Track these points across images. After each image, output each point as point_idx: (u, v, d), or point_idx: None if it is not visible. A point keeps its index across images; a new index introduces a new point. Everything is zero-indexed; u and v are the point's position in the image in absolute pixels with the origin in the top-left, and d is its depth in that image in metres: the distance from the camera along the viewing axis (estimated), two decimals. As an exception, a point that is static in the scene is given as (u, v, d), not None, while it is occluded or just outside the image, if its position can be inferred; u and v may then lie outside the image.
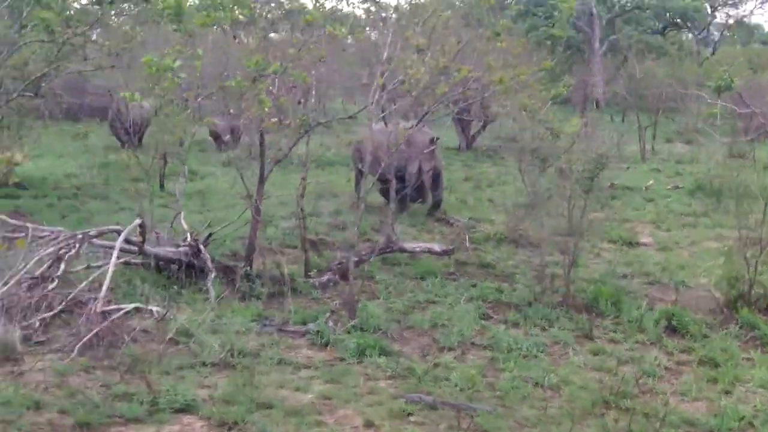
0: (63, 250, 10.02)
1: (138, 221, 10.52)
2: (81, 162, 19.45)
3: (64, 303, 9.52)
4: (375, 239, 13.80)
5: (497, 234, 14.20)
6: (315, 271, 11.54)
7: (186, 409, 7.49)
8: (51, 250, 9.90)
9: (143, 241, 10.64)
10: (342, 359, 8.77)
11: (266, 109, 9.48)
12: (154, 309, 9.38)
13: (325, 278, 11.35)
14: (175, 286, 10.71)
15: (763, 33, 49.94)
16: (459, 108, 15.59)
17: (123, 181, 16.99)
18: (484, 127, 25.41)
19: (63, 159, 20.62)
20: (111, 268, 9.76)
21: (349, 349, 8.88)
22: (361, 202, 11.44)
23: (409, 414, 7.50)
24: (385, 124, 14.28)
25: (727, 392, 8.10)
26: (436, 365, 8.60)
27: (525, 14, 36.43)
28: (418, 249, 12.19)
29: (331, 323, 9.55)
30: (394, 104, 13.72)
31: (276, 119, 9.99)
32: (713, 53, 40.31)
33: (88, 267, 10.40)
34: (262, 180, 11.37)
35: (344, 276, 11.55)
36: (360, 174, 15.30)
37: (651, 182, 19.82)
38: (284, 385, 8.08)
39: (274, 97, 9.79)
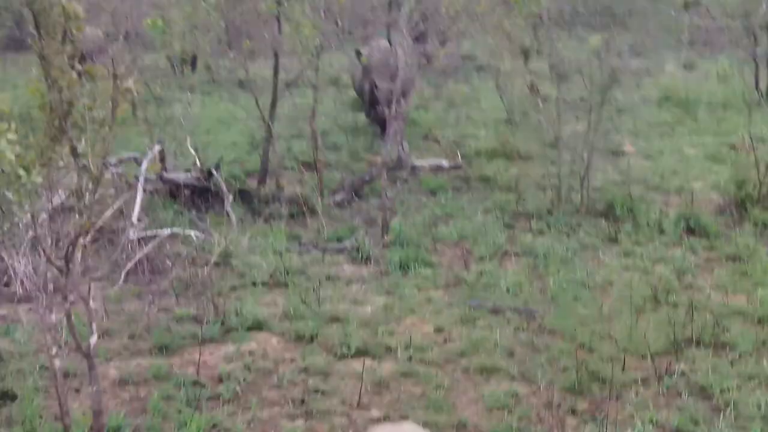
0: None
1: (158, 147, 10.52)
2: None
3: (92, 232, 9.52)
4: (369, 159, 13.97)
5: (488, 149, 14.41)
6: (327, 191, 11.66)
7: (257, 326, 7.67)
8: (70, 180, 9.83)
9: (164, 168, 10.66)
10: (387, 273, 8.99)
11: (307, 33, 9.49)
12: (193, 234, 9.46)
13: (339, 197, 11.49)
14: (194, 211, 10.77)
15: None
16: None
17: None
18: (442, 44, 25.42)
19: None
20: (139, 195, 9.76)
21: (393, 263, 9.09)
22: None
23: (475, 319, 7.78)
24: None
25: (758, 284, 8.51)
26: (481, 274, 8.85)
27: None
28: (427, 166, 12.38)
29: (366, 239, 9.73)
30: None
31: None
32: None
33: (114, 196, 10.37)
34: (274, 103, 11.42)
35: (358, 194, 11.75)
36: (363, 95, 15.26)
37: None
38: (341, 300, 8.29)
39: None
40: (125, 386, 6.65)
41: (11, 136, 4.75)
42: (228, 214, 10.60)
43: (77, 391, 6.60)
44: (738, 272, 8.83)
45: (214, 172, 11.23)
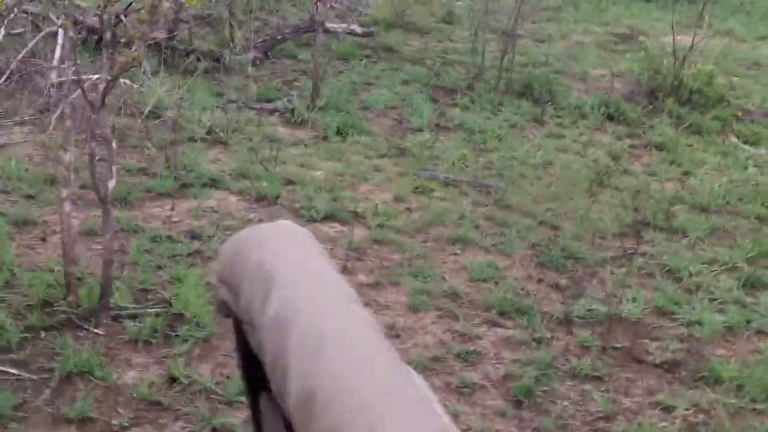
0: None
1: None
2: None
3: (7, 72, 8.88)
4: (263, 17, 13.54)
5: (384, 19, 14.21)
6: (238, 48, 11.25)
7: (213, 184, 7.39)
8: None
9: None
10: (325, 138, 8.82)
11: None
12: (122, 81, 8.91)
13: (251, 56, 11.09)
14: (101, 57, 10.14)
15: None
16: None
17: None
18: None
19: None
20: (61, 34, 9.10)
21: (331, 128, 8.92)
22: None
23: (431, 190, 7.77)
24: None
25: (687, 173, 8.88)
26: (422, 145, 8.81)
27: None
28: (339, 30, 12.07)
29: (296, 102, 9.48)
30: None
31: None
32: None
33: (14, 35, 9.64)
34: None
35: (268, 54, 11.40)
36: None
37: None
38: (288, 162, 8.08)
39: None
40: (93, 238, 6.28)
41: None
42: (139, 64, 10.07)
43: (43, 240, 6.21)
44: (666, 160, 9.15)
45: (123, 18, 10.58)
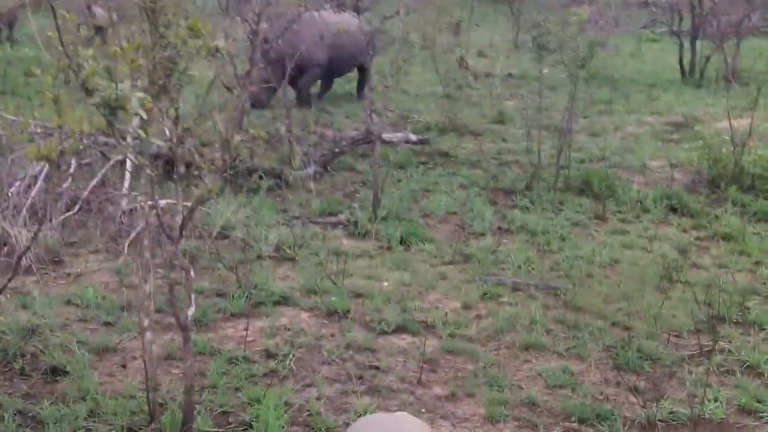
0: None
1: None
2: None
3: (80, 202, 9.16)
4: (319, 132, 13.82)
5: (437, 124, 14.42)
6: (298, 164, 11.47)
7: (284, 301, 7.48)
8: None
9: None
10: (389, 248, 8.90)
11: None
12: (189, 204, 9.12)
13: (311, 170, 11.31)
14: (169, 182, 10.42)
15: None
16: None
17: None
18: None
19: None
20: (129, 163, 9.39)
21: (394, 238, 9.01)
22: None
23: (498, 296, 7.78)
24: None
25: (757, 263, 8.79)
26: (488, 250, 8.84)
27: None
28: (395, 139, 12.30)
29: (358, 213, 9.61)
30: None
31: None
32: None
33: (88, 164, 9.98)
34: (249, 72, 11.12)
35: (327, 167, 11.61)
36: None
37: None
38: (355, 274, 8.16)
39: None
40: (172, 362, 6.38)
41: (140, 94, 4.48)
42: (206, 186, 10.29)
43: (124, 367, 6.32)
44: (734, 251, 9.08)
45: (188, 140, 10.86)
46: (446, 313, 7.30)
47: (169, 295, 5.25)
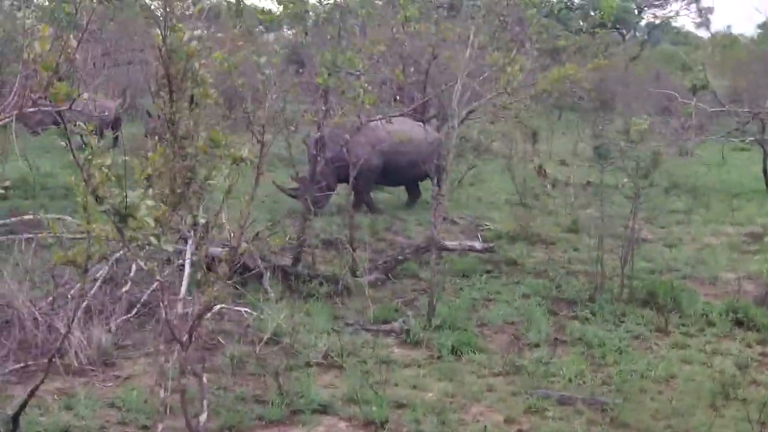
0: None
1: (203, 220, 10.33)
2: (55, 161, 18.76)
3: (138, 305, 9.33)
4: (389, 238, 13.91)
5: (508, 232, 14.37)
6: (360, 270, 11.52)
7: (323, 410, 7.44)
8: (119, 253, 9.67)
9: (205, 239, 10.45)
10: (440, 357, 8.82)
11: (367, 105, 9.47)
12: (242, 310, 9.26)
13: (373, 277, 11.34)
14: (232, 287, 10.58)
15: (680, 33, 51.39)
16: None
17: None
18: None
19: (34, 159, 19.81)
20: (187, 269, 9.57)
21: (446, 347, 8.92)
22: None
23: (544, 409, 7.61)
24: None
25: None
26: (539, 362, 8.69)
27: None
28: (459, 247, 12.28)
29: (411, 321, 9.57)
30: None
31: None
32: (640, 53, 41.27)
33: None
34: (313, 178, 11.32)
35: (389, 274, 11.62)
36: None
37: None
38: (401, 384, 8.09)
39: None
40: (200, 469, 6.37)
41: (150, 202, 4.59)
42: (267, 291, 10.44)
43: (153, 473, 6.33)
44: (799, 368, 8.75)
45: (251, 247, 11.05)
46: (486, 427, 7.15)
47: (181, 402, 5.27)
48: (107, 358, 8.42)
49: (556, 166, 20.97)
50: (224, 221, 11.42)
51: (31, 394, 6.22)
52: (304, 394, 7.59)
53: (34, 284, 8.87)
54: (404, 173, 15.92)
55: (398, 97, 11.18)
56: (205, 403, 5.36)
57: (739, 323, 9.95)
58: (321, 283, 10.72)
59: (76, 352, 8.05)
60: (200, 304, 5.23)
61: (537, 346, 9.22)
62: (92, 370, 8.08)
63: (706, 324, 9.94)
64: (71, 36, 4.71)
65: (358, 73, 9.80)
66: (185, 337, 5.22)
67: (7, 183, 6.14)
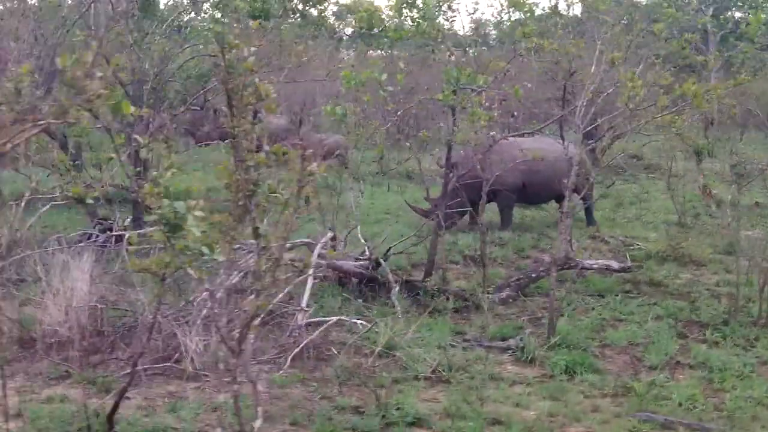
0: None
1: (330, 234, 10.65)
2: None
3: (261, 315, 9.64)
4: (534, 255, 13.80)
5: (658, 252, 13.98)
6: (493, 286, 11.52)
7: (417, 422, 7.51)
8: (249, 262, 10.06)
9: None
10: (552, 376, 8.72)
11: (482, 123, 9.55)
12: (359, 322, 9.46)
13: (504, 294, 11.32)
14: (360, 300, 10.82)
15: None
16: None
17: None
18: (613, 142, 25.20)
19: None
20: (310, 281, 9.88)
21: (558, 366, 8.82)
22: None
23: (654, 435, 7.41)
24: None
25: None
26: (652, 384, 8.47)
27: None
28: (596, 266, 12.08)
29: (525, 338, 9.51)
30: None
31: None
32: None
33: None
34: (444, 194, 11.43)
35: (523, 291, 11.56)
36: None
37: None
38: (504, 401, 8.06)
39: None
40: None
41: (198, 213, 4.82)
42: (394, 305, 10.60)
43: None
44: None
45: (382, 262, 11.27)
46: (575, 444, 7.05)
47: (234, 406, 5.47)
48: (226, 365, 8.75)
49: (726, 186, 20.19)
50: (359, 236, 11.81)
51: (121, 394, 6.58)
52: (401, 407, 7.67)
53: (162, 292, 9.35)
54: (542, 191, 15.76)
55: (515, 114, 11.11)
56: (259, 410, 5.53)
57: None
58: (448, 299, 10.79)
59: (192, 358, 8.43)
60: (251, 309, 5.34)
61: (655, 368, 8.96)
62: (206, 375, 8.44)
63: None
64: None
65: (480, 89, 9.84)
66: (235, 344, 5.35)
67: (96, 193, 6.56)
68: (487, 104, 10.07)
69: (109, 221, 13.20)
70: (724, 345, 9.64)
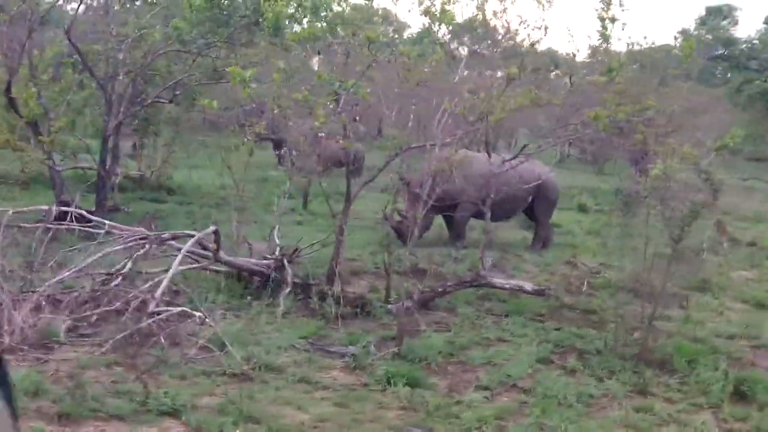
0: (134, 250, 10.25)
1: (212, 228, 10.61)
2: (239, 176, 19.78)
3: (120, 301, 9.63)
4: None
5: (619, 282, 13.31)
6: (395, 297, 11.22)
7: (173, 413, 7.35)
8: (119, 247, 10.14)
9: (218, 249, 10.68)
10: (366, 385, 8.44)
11: (319, 123, 9.42)
12: (197, 314, 9.37)
13: (404, 305, 10.99)
14: (250, 297, 10.73)
15: None
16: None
17: (273, 196, 17.19)
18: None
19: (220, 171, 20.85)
20: (172, 270, 9.84)
21: (376, 376, 8.53)
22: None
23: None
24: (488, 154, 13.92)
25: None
26: (458, 402, 8.09)
27: (737, 67, 34.23)
28: (507, 286, 11.61)
29: (373, 348, 9.24)
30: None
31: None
32: None
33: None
34: (348, 199, 11.24)
35: (426, 305, 11.23)
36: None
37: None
38: (288, 403, 7.83)
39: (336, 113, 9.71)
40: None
41: None
42: (279, 305, 10.49)
43: None
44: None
45: (285, 262, 11.16)
46: None
47: None
48: (51, 342, 8.83)
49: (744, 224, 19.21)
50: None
51: None
52: (167, 396, 7.53)
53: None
54: (500, 207, 15.26)
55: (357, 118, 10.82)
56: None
57: (742, 396, 8.64)
58: (339, 304, 10.57)
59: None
60: None
61: (486, 388, 8.56)
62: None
63: (699, 392, 8.74)
64: None
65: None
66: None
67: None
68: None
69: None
70: (580, 374, 9.11)
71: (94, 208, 14.25)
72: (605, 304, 12.19)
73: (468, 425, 7.56)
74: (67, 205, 13.14)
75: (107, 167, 15.07)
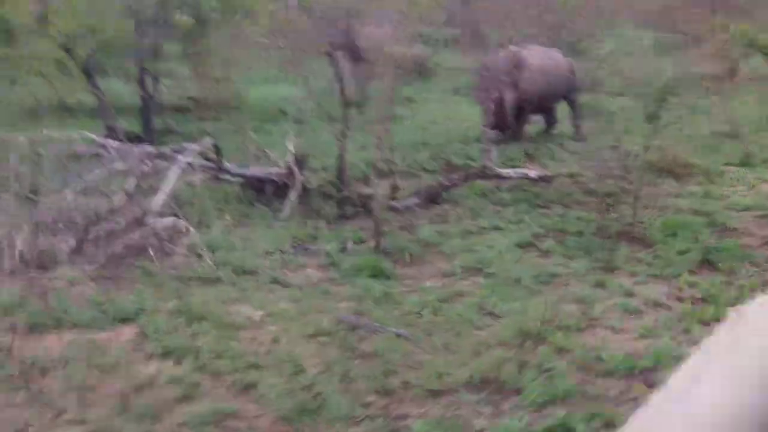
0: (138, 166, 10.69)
1: (209, 140, 10.96)
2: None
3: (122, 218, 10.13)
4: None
5: (658, 162, 13.00)
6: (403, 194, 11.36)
7: (132, 318, 7.80)
8: (121, 165, 10.59)
9: (220, 160, 11.01)
10: (333, 279, 8.72)
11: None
12: (182, 223, 9.76)
13: (410, 202, 11.16)
14: (252, 203, 11.07)
15: None
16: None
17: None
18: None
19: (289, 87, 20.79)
20: (170, 183, 10.21)
21: (344, 269, 8.81)
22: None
23: (328, 334, 7.33)
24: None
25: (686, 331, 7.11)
26: (413, 291, 8.29)
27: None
28: (513, 175, 11.60)
29: (350, 244, 9.49)
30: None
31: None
32: None
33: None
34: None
35: (434, 200, 11.37)
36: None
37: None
38: (247, 302, 8.16)
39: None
40: None
41: None
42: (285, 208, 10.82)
43: None
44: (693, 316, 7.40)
45: (294, 168, 11.44)
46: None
47: None
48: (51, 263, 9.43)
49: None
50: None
51: None
52: (130, 303, 8.01)
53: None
54: (549, 101, 15.07)
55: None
56: None
57: (711, 265, 8.56)
58: (338, 205, 10.84)
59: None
60: None
61: (452, 275, 8.73)
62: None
63: (666, 264, 8.67)
64: None
65: None
66: None
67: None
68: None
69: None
70: (553, 254, 9.15)
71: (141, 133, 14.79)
72: (628, 186, 11.97)
73: (409, 309, 7.77)
74: (115, 131, 13.74)
75: (147, 90, 15.59)
